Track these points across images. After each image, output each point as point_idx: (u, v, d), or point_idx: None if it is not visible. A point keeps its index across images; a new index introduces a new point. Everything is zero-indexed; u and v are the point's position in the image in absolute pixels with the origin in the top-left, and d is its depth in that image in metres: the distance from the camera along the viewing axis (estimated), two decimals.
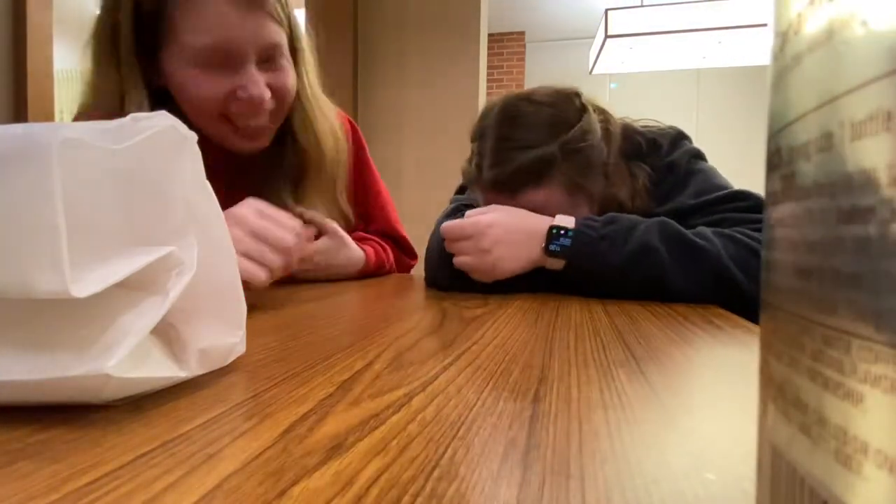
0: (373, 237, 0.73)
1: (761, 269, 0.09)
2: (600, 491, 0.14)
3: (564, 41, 4.23)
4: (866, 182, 0.06)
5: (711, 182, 0.59)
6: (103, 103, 0.46)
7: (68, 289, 0.15)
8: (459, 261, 0.53)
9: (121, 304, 0.17)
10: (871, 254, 0.06)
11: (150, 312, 0.18)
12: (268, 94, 0.47)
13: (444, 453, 0.16)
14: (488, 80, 4.08)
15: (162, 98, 0.48)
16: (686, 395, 0.22)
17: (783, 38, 0.08)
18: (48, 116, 1.12)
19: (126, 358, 0.16)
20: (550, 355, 0.28)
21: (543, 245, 0.52)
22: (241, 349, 0.24)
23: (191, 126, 0.21)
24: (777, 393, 0.08)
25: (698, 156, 0.63)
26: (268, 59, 0.48)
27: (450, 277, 0.56)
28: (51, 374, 0.16)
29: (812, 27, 0.07)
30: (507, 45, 4.26)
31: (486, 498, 0.13)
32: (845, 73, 0.06)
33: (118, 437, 0.16)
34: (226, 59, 0.45)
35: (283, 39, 0.48)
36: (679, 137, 0.64)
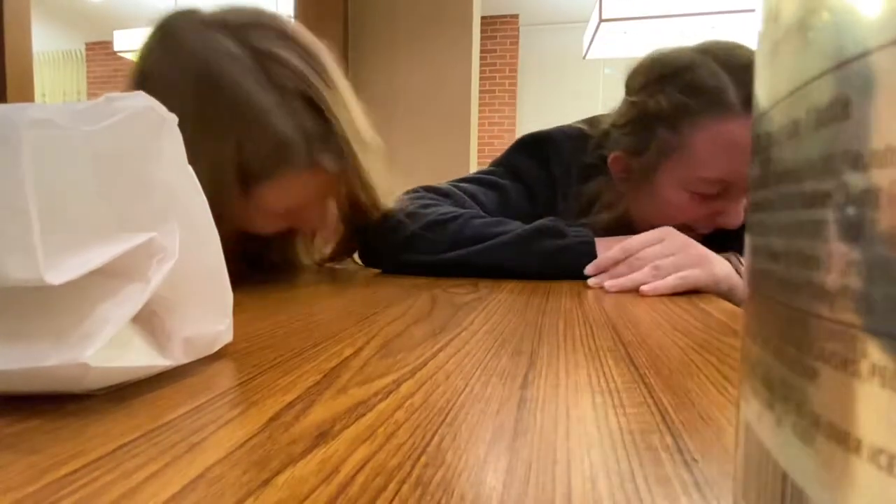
0: None
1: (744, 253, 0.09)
2: (586, 476, 0.14)
3: (558, 25, 4.19)
4: (826, 167, 0.06)
5: None
6: None
7: (42, 276, 0.14)
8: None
9: (99, 292, 0.17)
10: (827, 237, 0.06)
11: (130, 300, 0.17)
12: (329, 224, 0.57)
13: (431, 440, 0.16)
14: (481, 65, 4.03)
15: None
16: (673, 380, 0.22)
17: (765, 25, 0.08)
18: (28, 99, 1.09)
19: (105, 347, 0.16)
20: (540, 341, 0.28)
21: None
22: (228, 337, 0.24)
23: None
24: (751, 372, 0.08)
25: None
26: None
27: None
28: (27, 363, 0.15)
29: (787, 14, 0.07)
30: (501, 28, 4.20)
31: (471, 484, 0.13)
32: (812, 61, 0.06)
33: (99, 427, 0.16)
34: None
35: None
36: None
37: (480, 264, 0.54)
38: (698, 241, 0.49)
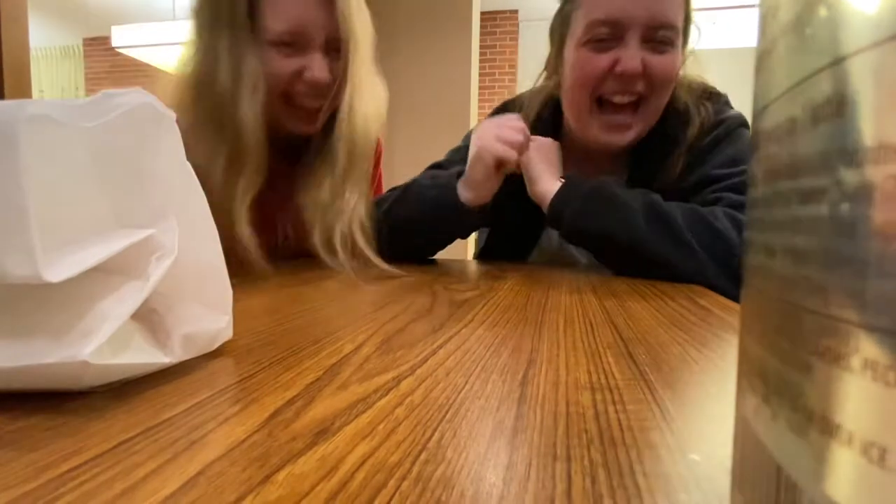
0: None
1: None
2: (586, 472, 0.14)
3: None
4: (822, 164, 0.06)
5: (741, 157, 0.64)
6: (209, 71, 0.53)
7: (40, 273, 0.14)
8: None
9: (99, 290, 0.17)
10: (823, 232, 0.06)
11: (129, 298, 0.17)
12: (327, 77, 0.54)
13: (431, 436, 0.16)
14: (481, 60, 4.00)
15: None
16: (672, 377, 0.22)
17: (765, 21, 0.08)
18: (26, 95, 1.08)
19: (105, 344, 0.16)
20: (539, 338, 0.28)
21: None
22: (228, 334, 0.24)
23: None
24: (748, 367, 0.08)
25: (745, 123, 0.66)
26: (334, 48, 0.55)
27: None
28: (27, 361, 0.15)
29: (785, 10, 0.07)
30: (500, 23, 4.18)
31: (471, 481, 0.13)
32: (809, 57, 0.06)
33: (100, 424, 0.16)
34: (296, 43, 0.53)
35: (348, 34, 0.55)
36: (727, 101, 0.70)
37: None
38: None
